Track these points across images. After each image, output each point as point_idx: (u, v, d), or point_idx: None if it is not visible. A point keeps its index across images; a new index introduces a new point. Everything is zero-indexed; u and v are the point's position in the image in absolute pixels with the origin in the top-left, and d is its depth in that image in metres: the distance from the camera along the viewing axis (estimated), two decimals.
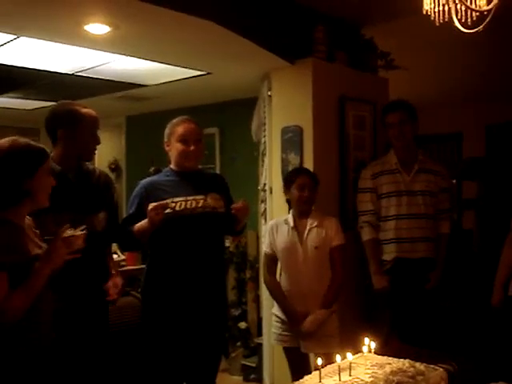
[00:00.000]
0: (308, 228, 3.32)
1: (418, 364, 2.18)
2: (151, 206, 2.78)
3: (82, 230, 2.28)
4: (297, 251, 3.31)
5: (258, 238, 4.93)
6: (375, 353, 2.32)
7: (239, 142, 5.59)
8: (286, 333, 3.34)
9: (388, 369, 2.12)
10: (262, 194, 4.37)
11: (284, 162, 3.99)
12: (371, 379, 2.01)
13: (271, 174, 4.14)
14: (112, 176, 3.25)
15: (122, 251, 4.16)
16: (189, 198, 2.95)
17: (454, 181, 5.04)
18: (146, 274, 3.08)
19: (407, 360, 2.23)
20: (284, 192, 3.47)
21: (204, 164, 6.09)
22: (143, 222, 2.86)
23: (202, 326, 2.97)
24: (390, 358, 2.26)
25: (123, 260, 4.11)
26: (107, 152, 7.79)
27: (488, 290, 3.30)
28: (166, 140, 3.10)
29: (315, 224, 3.33)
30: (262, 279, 4.59)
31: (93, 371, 2.82)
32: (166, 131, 3.11)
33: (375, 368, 2.14)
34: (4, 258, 2.07)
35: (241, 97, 5.41)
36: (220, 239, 3.18)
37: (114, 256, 3.66)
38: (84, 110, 2.84)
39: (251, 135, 4.63)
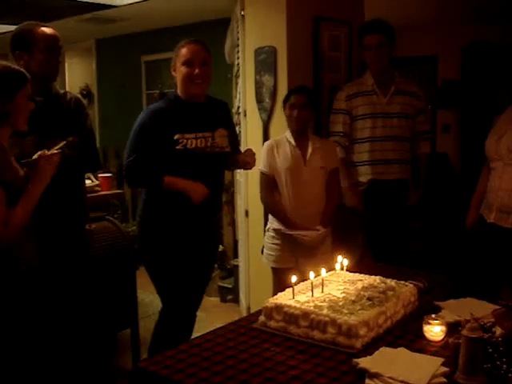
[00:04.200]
0: (311, 148, 3.33)
1: (388, 280, 2.24)
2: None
3: (58, 150, 2.33)
4: (301, 171, 3.31)
5: None
6: (348, 270, 2.37)
7: (213, 63, 5.46)
8: (283, 253, 3.35)
9: (359, 285, 2.18)
10: (235, 117, 4.33)
11: (258, 84, 3.94)
12: (343, 295, 2.06)
13: (245, 97, 4.09)
14: (84, 102, 3.17)
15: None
16: (198, 134, 2.80)
17: (429, 106, 5.02)
18: (147, 204, 2.97)
19: (378, 277, 2.29)
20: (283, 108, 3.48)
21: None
22: (181, 183, 2.76)
23: (199, 251, 2.96)
24: (362, 275, 2.31)
25: (97, 185, 4.07)
26: (78, 77, 7.63)
27: (465, 213, 3.36)
28: (172, 64, 2.92)
29: (318, 145, 3.34)
30: (238, 202, 4.63)
31: (74, 295, 2.88)
32: (173, 55, 2.92)
33: (347, 284, 2.19)
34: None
35: (213, 17, 5.28)
36: (221, 176, 3.14)
37: (88, 181, 3.63)
38: (39, 30, 2.73)
39: (224, 57, 4.54)
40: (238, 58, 4.17)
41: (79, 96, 3.14)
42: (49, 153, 2.33)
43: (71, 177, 2.86)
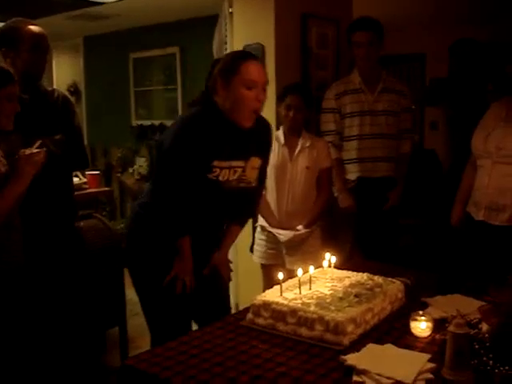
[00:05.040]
0: (299, 147, 3.33)
1: (376, 277, 2.25)
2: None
3: (38, 148, 2.29)
4: (286, 169, 3.32)
5: None
6: (335, 267, 2.38)
7: (201, 61, 5.46)
8: (270, 250, 3.38)
9: (347, 282, 2.18)
10: None
11: None
12: (330, 292, 2.06)
13: None
14: (72, 99, 3.17)
15: None
16: (232, 163, 2.37)
17: (415, 106, 5.04)
18: (141, 220, 2.52)
19: (366, 273, 2.29)
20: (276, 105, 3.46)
21: (164, 84, 6.04)
22: (184, 255, 2.39)
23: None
24: (350, 272, 2.32)
25: (85, 183, 4.06)
26: (65, 75, 7.59)
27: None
28: (220, 76, 2.33)
29: (307, 144, 3.34)
30: None
31: (62, 293, 2.88)
32: (222, 66, 2.36)
33: (335, 281, 2.19)
34: None
35: (202, 14, 5.27)
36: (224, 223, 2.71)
37: (75, 179, 3.62)
38: (26, 28, 2.73)
39: (213, 54, 4.52)
40: None
41: (67, 94, 3.13)
42: (28, 152, 2.29)
43: (59, 174, 2.86)
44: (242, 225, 2.68)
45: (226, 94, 2.32)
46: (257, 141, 2.47)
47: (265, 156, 2.56)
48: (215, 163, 2.31)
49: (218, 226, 2.59)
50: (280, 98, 3.42)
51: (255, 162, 2.48)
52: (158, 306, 2.45)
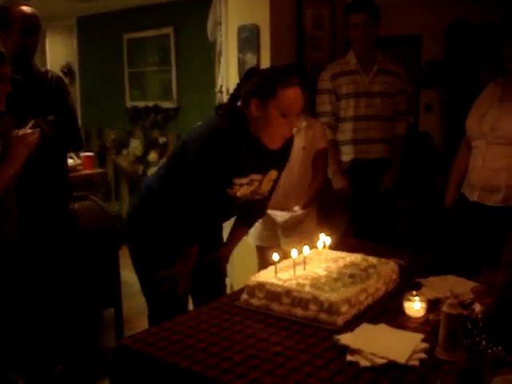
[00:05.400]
0: (296, 128, 3.32)
1: (370, 258, 2.25)
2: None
3: (32, 128, 2.28)
4: None
5: None
6: (330, 248, 2.39)
7: (195, 42, 5.42)
8: (266, 232, 3.39)
9: (341, 263, 2.19)
10: (218, 95, 4.30)
11: (241, 63, 3.91)
12: (325, 273, 2.07)
13: (228, 76, 4.06)
14: (66, 80, 3.14)
15: None
16: (252, 176, 2.34)
17: (410, 88, 5.02)
18: (147, 203, 2.47)
19: (360, 254, 2.30)
20: None
21: (159, 66, 6.00)
22: (190, 256, 2.37)
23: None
24: (344, 253, 2.33)
25: (79, 164, 4.05)
26: (59, 56, 7.53)
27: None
28: (255, 95, 2.22)
29: (304, 125, 3.33)
30: None
31: (57, 274, 2.88)
32: (260, 84, 2.23)
33: (329, 262, 2.20)
34: None
35: None
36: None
37: (70, 161, 3.61)
38: (17, 8, 2.70)
39: (207, 35, 4.50)
40: (221, 36, 4.14)
41: (60, 74, 3.11)
42: (21, 133, 2.28)
43: (53, 156, 2.84)
44: (250, 226, 2.75)
45: (259, 114, 2.23)
46: (277, 154, 2.39)
47: (282, 167, 2.53)
48: (235, 180, 2.29)
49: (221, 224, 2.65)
50: None
51: (273, 174, 2.46)
52: (157, 285, 2.44)
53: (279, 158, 2.45)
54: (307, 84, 3.40)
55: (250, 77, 2.33)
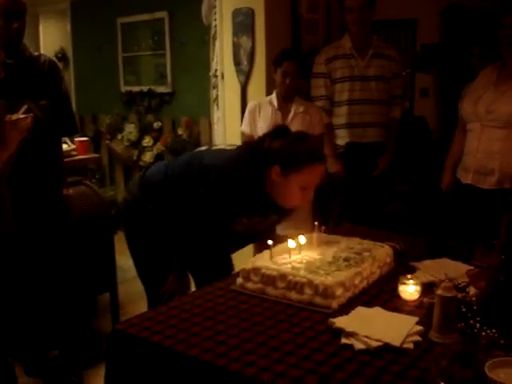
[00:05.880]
0: (293, 113, 3.32)
1: (365, 242, 2.26)
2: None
3: (25, 113, 2.26)
4: None
5: (210, 125, 4.88)
6: (325, 232, 2.39)
7: (190, 25, 5.37)
8: None
9: (336, 246, 2.19)
10: (213, 79, 4.28)
11: (236, 46, 3.89)
12: (320, 256, 2.07)
13: (222, 59, 4.04)
14: (59, 64, 3.11)
15: None
16: (252, 219, 2.42)
17: (406, 71, 5.00)
18: (148, 191, 2.47)
19: (356, 238, 2.30)
20: (273, 70, 3.44)
21: (153, 50, 5.96)
22: (177, 273, 2.40)
23: None
24: (339, 237, 2.33)
25: (73, 149, 4.03)
26: (53, 41, 7.46)
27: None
28: (279, 163, 2.20)
29: (301, 110, 3.34)
30: None
31: (51, 259, 2.88)
32: (287, 153, 2.21)
33: (324, 246, 2.20)
34: None
35: None
36: None
37: (64, 146, 3.59)
38: None
39: (202, 19, 4.46)
40: (216, 19, 4.11)
41: (54, 59, 3.08)
42: (14, 118, 2.26)
43: (47, 141, 2.83)
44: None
45: (278, 180, 2.21)
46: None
47: (283, 216, 2.54)
48: (237, 220, 2.35)
49: None
50: (276, 63, 3.39)
51: (273, 217, 2.48)
52: (154, 271, 2.48)
53: (283, 210, 2.44)
54: (306, 69, 3.40)
55: (281, 135, 2.29)
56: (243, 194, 2.25)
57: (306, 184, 2.22)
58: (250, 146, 2.47)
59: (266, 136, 2.36)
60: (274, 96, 3.42)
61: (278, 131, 2.34)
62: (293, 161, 2.18)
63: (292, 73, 3.30)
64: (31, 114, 2.31)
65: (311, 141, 2.33)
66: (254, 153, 2.29)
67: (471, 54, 3.68)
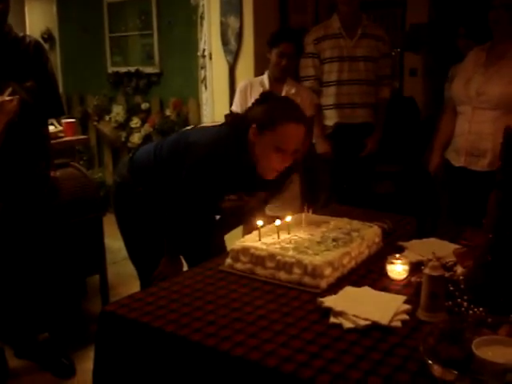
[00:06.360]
0: (284, 94, 3.30)
1: (353, 222, 2.26)
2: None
3: (11, 95, 2.23)
4: None
5: (198, 105, 4.86)
6: (313, 213, 2.39)
7: (177, 5, 5.31)
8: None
9: (325, 227, 2.20)
10: (201, 60, 4.26)
11: (223, 26, 3.87)
12: (308, 236, 2.08)
13: (210, 39, 4.02)
14: (45, 45, 3.07)
15: None
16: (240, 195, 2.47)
17: (395, 51, 4.99)
18: (139, 173, 2.46)
19: (344, 218, 2.31)
20: (267, 49, 3.41)
21: (140, 30, 5.90)
22: (169, 257, 2.39)
23: None
24: (328, 217, 2.33)
25: (60, 131, 3.99)
26: (38, 21, 7.36)
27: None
28: (256, 123, 2.19)
29: (292, 91, 3.32)
30: None
31: (40, 242, 2.87)
32: (264, 114, 2.20)
33: (313, 226, 2.21)
34: None
35: None
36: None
37: (51, 127, 3.56)
38: None
39: None
40: None
41: (39, 39, 3.04)
42: (0, 100, 2.23)
43: (33, 123, 2.80)
44: None
45: (256, 141, 2.20)
46: (270, 181, 2.36)
47: (273, 193, 2.59)
48: (225, 197, 2.39)
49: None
50: (272, 43, 3.34)
51: (261, 195, 2.51)
52: (145, 251, 2.48)
53: (270, 186, 2.44)
54: (301, 50, 3.38)
55: (263, 101, 2.29)
56: (228, 167, 2.23)
57: (281, 144, 2.17)
58: (235, 118, 2.47)
59: (251, 106, 2.36)
60: (265, 77, 3.40)
61: (262, 97, 2.34)
62: (267, 118, 2.17)
63: (289, 54, 3.28)
64: (17, 96, 2.29)
65: (291, 103, 2.30)
66: (238, 123, 2.30)
67: (457, 34, 3.68)
